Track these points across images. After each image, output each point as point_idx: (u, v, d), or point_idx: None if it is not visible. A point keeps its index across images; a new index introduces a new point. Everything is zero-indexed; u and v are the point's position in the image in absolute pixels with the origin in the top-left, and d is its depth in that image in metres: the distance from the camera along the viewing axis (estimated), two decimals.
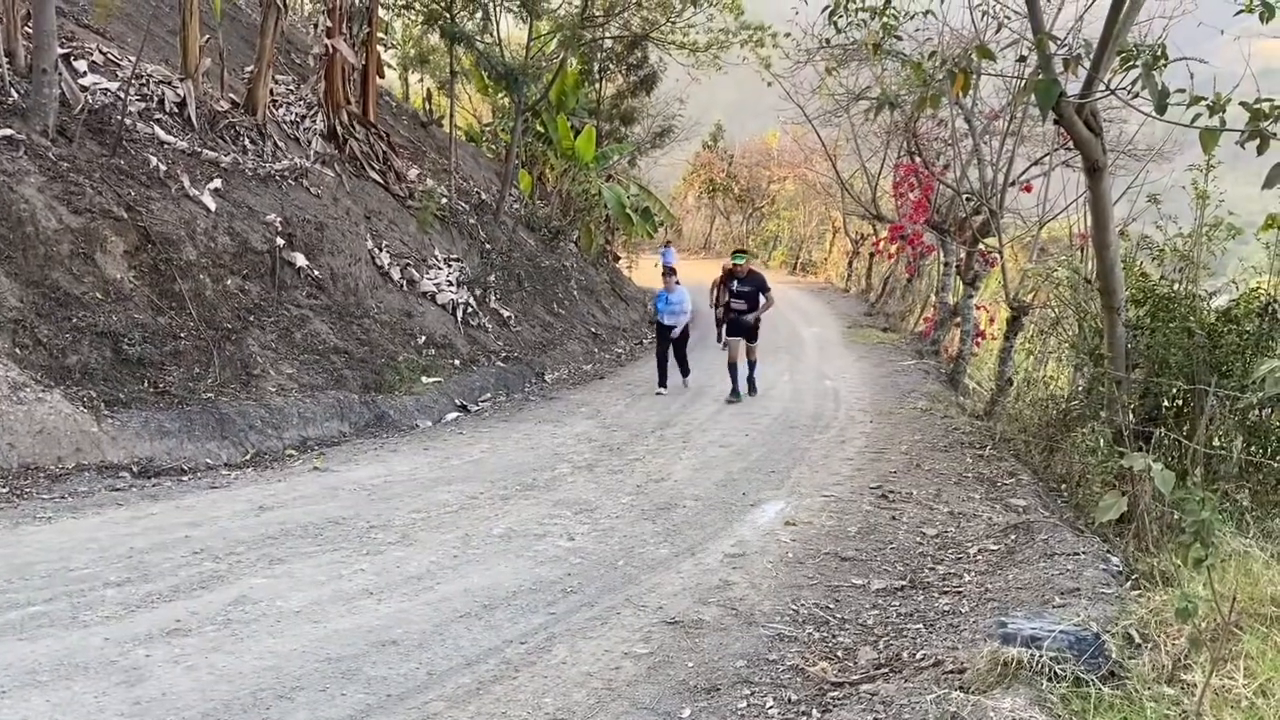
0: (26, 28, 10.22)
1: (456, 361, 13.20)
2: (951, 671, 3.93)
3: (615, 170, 27.20)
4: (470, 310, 14.67)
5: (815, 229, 42.64)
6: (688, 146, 41.45)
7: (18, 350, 7.81)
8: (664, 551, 6.01)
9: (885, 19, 7.17)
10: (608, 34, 22.26)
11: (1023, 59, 7.20)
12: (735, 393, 12.65)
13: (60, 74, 10.05)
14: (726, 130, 48.68)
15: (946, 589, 5.33)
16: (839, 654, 4.41)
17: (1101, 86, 5.94)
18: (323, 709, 3.73)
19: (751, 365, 13.07)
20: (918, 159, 18.34)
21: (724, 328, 13.24)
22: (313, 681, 3.97)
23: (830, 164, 22.19)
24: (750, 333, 12.86)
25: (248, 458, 8.68)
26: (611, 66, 27.84)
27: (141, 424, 8.16)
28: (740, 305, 12.81)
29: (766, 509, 7.14)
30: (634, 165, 31.51)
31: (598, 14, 19.66)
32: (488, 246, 17.33)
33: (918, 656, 4.25)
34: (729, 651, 4.40)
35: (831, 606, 5.06)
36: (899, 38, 7.60)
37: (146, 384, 8.54)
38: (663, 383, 13.40)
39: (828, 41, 9.72)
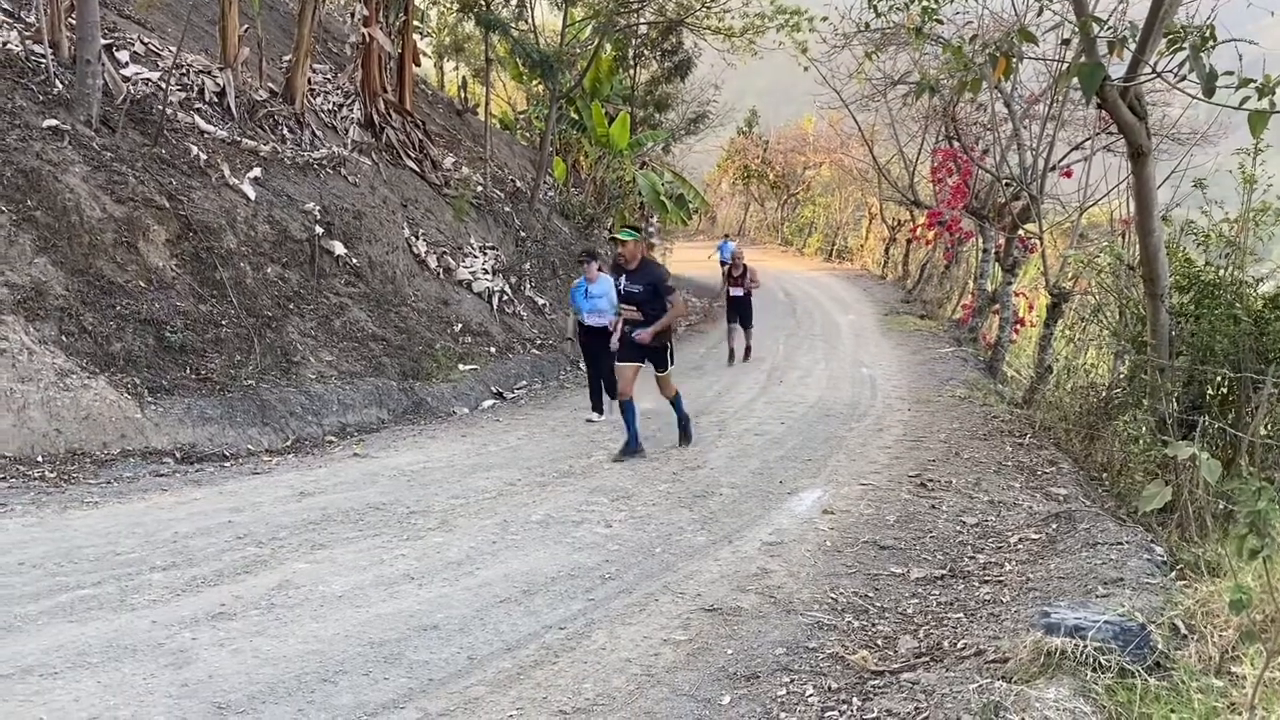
0: (70, 19, 10.35)
1: (492, 349, 13.26)
2: (994, 661, 3.90)
3: (649, 157, 27.15)
4: (505, 298, 14.72)
5: (851, 215, 42.32)
6: (722, 133, 41.25)
7: (64, 338, 7.94)
8: (701, 539, 6.02)
9: (925, 2, 7.08)
10: (642, 20, 22.17)
11: (1066, 42, 7.10)
12: (630, 449, 8.46)
13: (103, 64, 10.17)
14: (761, 116, 48.38)
15: (987, 578, 5.29)
16: (879, 642, 4.39)
17: (1147, 69, 5.84)
18: (366, 692, 3.77)
19: (680, 414, 9.08)
20: (956, 144, 18.13)
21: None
22: (356, 665, 4.01)
23: (867, 149, 21.99)
24: (657, 358, 8.73)
25: (288, 444, 8.78)
26: (646, 53, 27.75)
27: (184, 410, 8.27)
28: (632, 314, 8.53)
29: (804, 497, 7.12)
30: (668, 152, 31.42)
31: (632, 0, 19.58)
32: (522, 234, 17.37)
33: (959, 645, 4.22)
34: (768, 639, 4.39)
35: (871, 595, 5.04)
36: (939, 21, 7.51)
37: (189, 371, 8.66)
38: (597, 405, 10.45)
39: (867, 25, 9.62)
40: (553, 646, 4.28)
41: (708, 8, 20.29)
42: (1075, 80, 5.47)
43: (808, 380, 13.29)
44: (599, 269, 10.11)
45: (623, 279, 8.55)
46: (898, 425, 10.12)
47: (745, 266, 15.56)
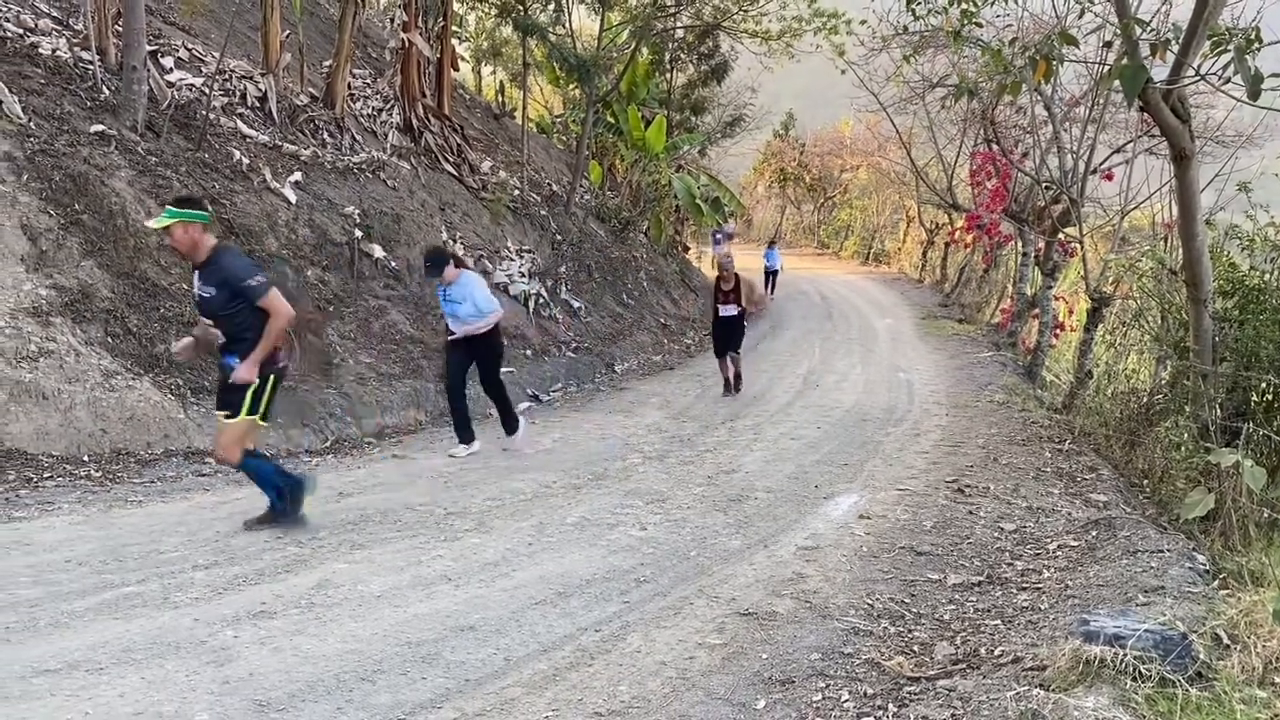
0: (117, 26, 10.56)
1: (528, 352, 13.33)
2: (1032, 669, 3.87)
3: (685, 160, 27.14)
4: (541, 301, 14.79)
5: (889, 218, 42.07)
6: (758, 135, 41.14)
7: (109, 339, 8.08)
8: (736, 543, 6.01)
9: (965, 5, 7.04)
10: (679, 24, 22.19)
11: (1108, 45, 7.03)
12: (276, 511, 5.97)
13: (149, 70, 10.37)
14: (798, 119, 48.21)
15: (1025, 585, 5.25)
16: (915, 649, 4.37)
17: (1190, 71, 5.77)
18: (404, 692, 3.81)
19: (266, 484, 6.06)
20: (995, 147, 17.98)
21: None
22: (394, 665, 4.05)
23: (905, 152, 21.85)
24: (231, 398, 5.76)
25: (328, 444, 8.88)
26: (682, 56, 27.76)
27: None
28: (211, 332, 5.78)
29: (840, 502, 7.10)
30: (704, 155, 31.39)
31: (669, 3, 19.62)
32: (558, 238, 17.45)
33: (996, 653, 4.20)
34: (803, 644, 4.39)
35: (907, 601, 5.01)
36: (979, 24, 7.46)
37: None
38: (464, 437, 8.59)
39: (905, 29, 9.57)
40: (588, 649, 4.30)
41: (745, 11, 20.29)
42: (1117, 83, 5.41)
43: (844, 384, 13.24)
44: (457, 268, 8.34)
45: (195, 278, 5.67)
46: (935, 430, 10.05)
47: (738, 278, 12.38)
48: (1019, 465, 8.36)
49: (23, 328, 7.58)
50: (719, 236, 34.11)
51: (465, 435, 8.58)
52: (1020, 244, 18.97)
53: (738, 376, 12.44)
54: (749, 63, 24.89)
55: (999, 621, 4.68)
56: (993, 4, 7.37)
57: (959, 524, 6.54)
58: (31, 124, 8.86)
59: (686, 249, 27.66)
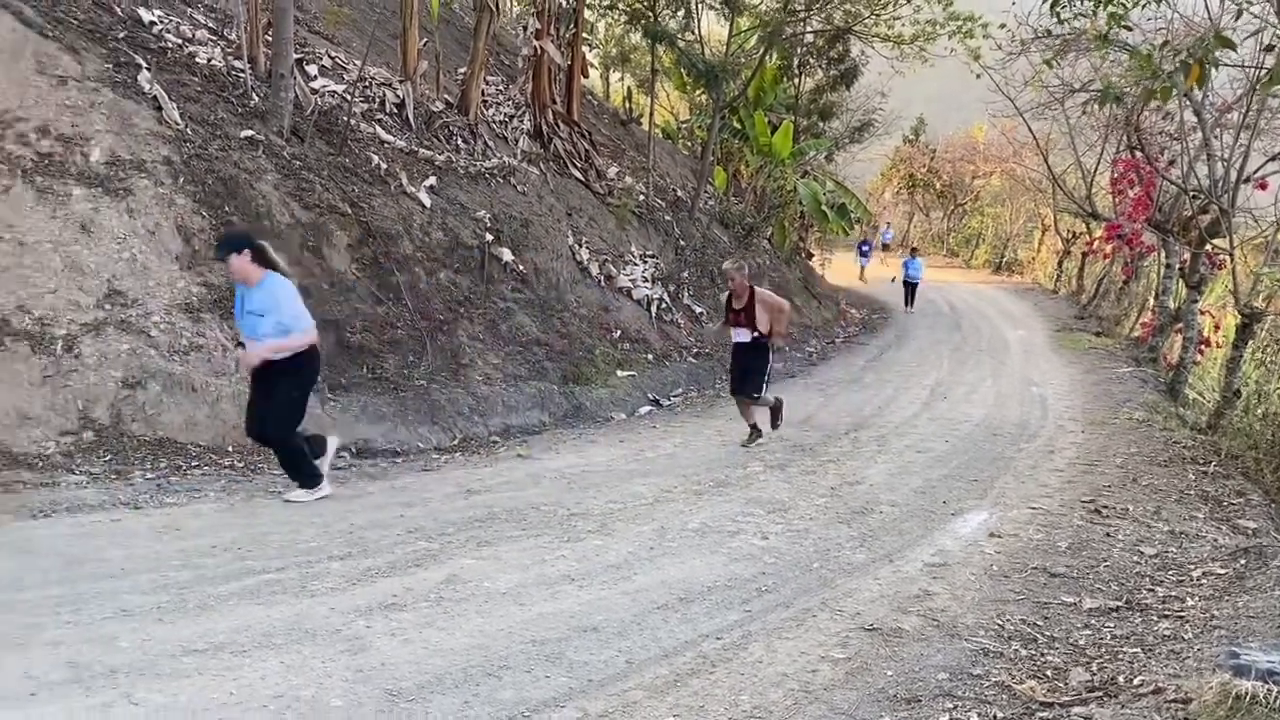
0: (267, 36, 11.06)
1: (650, 356, 13.40)
2: (1174, 701, 3.70)
3: (811, 165, 26.88)
4: (664, 306, 14.85)
5: (1022, 226, 40.82)
6: (887, 141, 40.49)
7: None
8: (860, 556, 5.92)
9: (1112, 7, 6.77)
10: (809, 29, 22.01)
11: (1270, 48, 6.66)
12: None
13: (295, 78, 10.82)
14: (929, 123, 47.24)
15: (1167, 613, 5.01)
16: (1048, 673, 4.22)
17: None
18: (528, 689, 3.88)
19: None
20: (1139, 154, 17.24)
21: None
22: (518, 662, 4.13)
23: (1042, 158, 21.16)
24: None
25: (455, 443, 9.10)
26: (811, 61, 27.52)
27: (361, 408, 8.70)
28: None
29: (969, 519, 6.91)
30: (831, 160, 31.04)
31: (799, 8, 19.46)
32: (682, 243, 17.49)
33: (1135, 682, 4.02)
34: (930, 663, 4.29)
35: (1040, 624, 4.85)
36: (1127, 27, 7.16)
37: (365, 370, 9.09)
38: (314, 481, 6.65)
39: (1048, 32, 9.24)
40: (709, 656, 4.30)
41: (877, 15, 19.96)
42: (1276, 88, 5.12)
43: (973, 397, 12.88)
44: (261, 267, 6.22)
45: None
46: (1070, 447, 9.69)
47: (753, 293, 9.20)
48: (1160, 487, 8.00)
49: (176, 323, 8.01)
50: (865, 248, 33.48)
51: (307, 480, 6.62)
52: (1164, 255, 18.16)
53: (754, 427, 9.43)
54: (879, 67, 24.49)
55: (1138, 649, 4.48)
56: (1143, 6, 7.06)
57: (1095, 546, 6.29)
58: (188, 129, 9.34)
59: (810, 255, 27.37)
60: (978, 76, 16.37)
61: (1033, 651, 4.49)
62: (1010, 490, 7.84)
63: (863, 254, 33.04)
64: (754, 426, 9.40)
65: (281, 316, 6.22)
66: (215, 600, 4.64)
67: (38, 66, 8.58)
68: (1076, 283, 30.01)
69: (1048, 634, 4.72)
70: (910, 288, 24.93)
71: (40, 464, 6.67)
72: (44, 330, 7.32)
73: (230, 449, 7.64)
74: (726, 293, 9.60)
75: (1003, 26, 13.80)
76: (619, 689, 3.93)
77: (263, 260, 6.25)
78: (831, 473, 8.31)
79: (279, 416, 6.44)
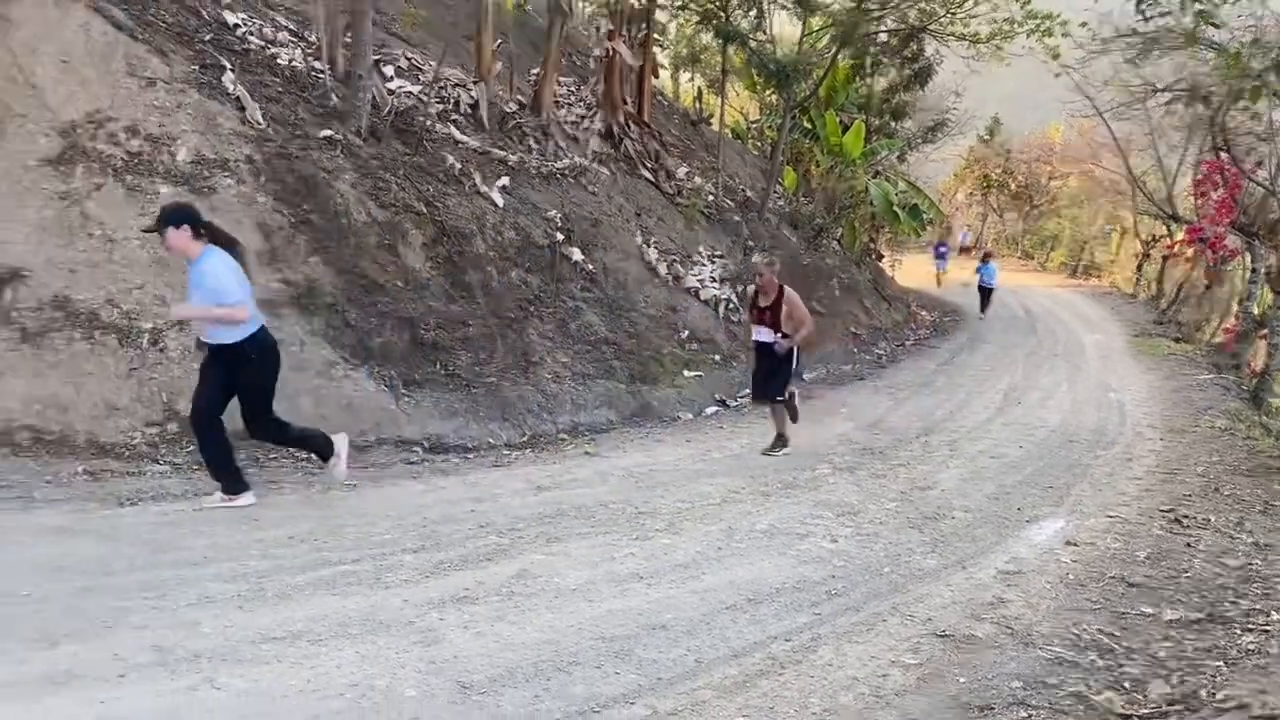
0: (346, 37, 11.28)
1: (717, 357, 13.37)
2: (1259, 717, 3.59)
3: (883, 166, 26.56)
4: (731, 306, 14.80)
5: (1100, 229, 39.90)
6: (960, 141, 39.85)
7: (331, 331, 8.64)
8: (932, 562, 5.85)
9: (1200, 4, 6.58)
10: (883, 28, 21.75)
11: None
12: None
13: (373, 79, 11.01)
14: (1004, 123, 46.38)
15: (1251, 626, 4.87)
16: (1126, 685, 4.13)
17: None
18: (598, 685, 3.91)
19: None
20: (1225, 155, 16.74)
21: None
22: (588, 658, 4.16)
23: (1122, 159, 20.66)
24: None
25: (525, 439, 9.19)
26: (884, 60, 27.19)
27: (433, 404, 8.83)
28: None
29: (1044, 526, 6.78)
30: (903, 161, 30.62)
31: (872, 8, 19.24)
32: (750, 244, 17.41)
33: (1218, 696, 3.91)
34: (1003, 670, 4.23)
35: (1117, 634, 4.74)
36: (1216, 25, 6.96)
37: (438, 367, 9.22)
38: (233, 482, 6.21)
39: (1133, 30, 9.01)
40: (778, 657, 4.29)
41: (953, 14, 19.63)
42: None
43: (1048, 403, 12.62)
44: (195, 236, 5.85)
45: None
46: (1149, 455, 9.45)
47: (782, 291, 8.72)
48: (1244, 497, 7.77)
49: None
50: (942, 250, 32.78)
51: (235, 481, 6.22)
52: (1249, 259, 17.62)
53: (780, 435, 9.03)
54: (954, 66, 24.12)
55: (1221, 663, 4.37)
56: (1233, 2, 6.86)
57: (1175, 556, 6.14)
58: (269, 129, 9.57)
59: (881, 256, 27.04)
60: (1056, 76, 16.02)
61: (1110, 662, 4.40)
62: (1087, 498, 7.68)
63: (939, 256, 32.19)
64: (780, 435, 9.05)
65: (205, 291, 5.80)
66: (293, 590, 4.75)
67: (128, 68, 8.86)
68: (1156, 287, 29.25)
69: (1126, 645, 4.62)
70: (986, 293, 24.32)
71: (127, 454, 6.90)
72: (131, 324, 7.56)
73: None
74: (753, 288, 9.13)
75: (1084, 25, 13.48)
76: (688, 688, 3.94)
77: (210, 235, 5.96)
78: (902, 477, 8.22)
79: (197, 407, 6.08)
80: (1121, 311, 26.58)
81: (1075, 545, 6.31)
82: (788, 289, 8.81)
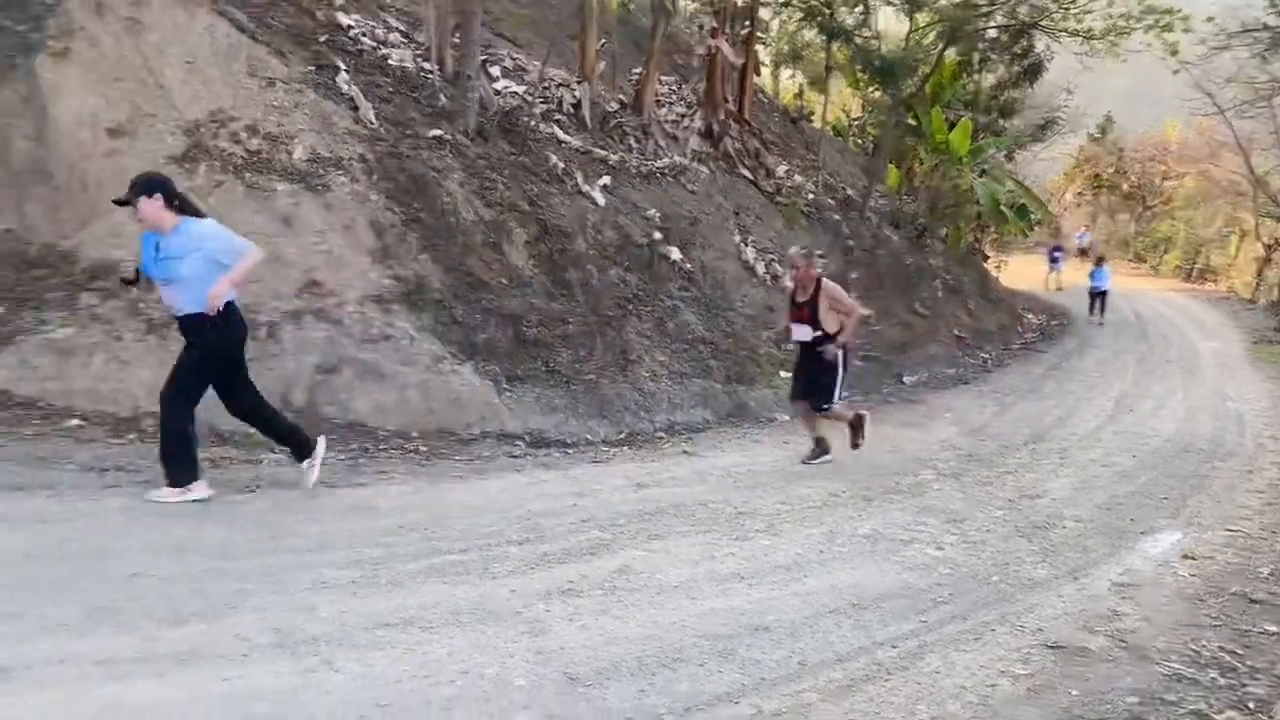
0: (454, 38, 11.52)
1: None
2: None
3: (990, 164, 25.96)
4: None
5: (1218, 231, 38.32)
6: (1070, 139, 38.67)
7: (438, 327, 8.84)
8: (1042, 572, 5.72)
9: None
10: (992, 24, 21.26)
11: None
12: None
13: (480, 79, 11.23)
14: (1116, 121, 44.85)
15: None
16: (1250, 705, 3.99)
17: None
18: (703, 683, 3.94)
19: None
20: None
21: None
22: (691, 655, 4.19)
23: (1244, 159, 19.82)
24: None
25: (622, 436, 9.26)
26: (993, 56, 26.54)
27: (534, 399, 8.96)
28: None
29: (1159, 538, 6.58)
30: (1011, 159, 29.84)
31: (981, 3, 18.83)
32: (850, 243, 17.22)
33: None
34: (1118, 685, 4.12)
35: (1240, 652, 4.58)
36: None
37: (539, 363, 9.35)
38: (183, 472, 5.75)
39: (1264, 25, 8.64)
40: (884, 663, 4.25)
41: (1066, 9, 19.07)
42: None
43: (1162, 411, 12.20)
44: (168, 206, 5.53)
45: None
46: (1272, 468, 9.07)
47: (819, 285, 8.01)
48: None
49: (368, 313, 8.45)
50: (1057, 254, 31.69)
51: (185, 471, 5.76)
52: None
53: (819, 441, 8.44)
54: (1066, 62, 23.41)
55: None
56: None
57: None
58: (381, 128, 9.84)
59: (986, 257, 26.41)
60: (1175, 72, 15.45)
61: (1232, 681, 4.25)
62: (1205, 510, 7.42)
63: (1054, 260, 30.98)
64: (818, 440, 8.40)
65: (208, 250, 5.53)
66: (405, 577, 4.88)
67: (249, 69, 9.21)
68: (1278, 292, 27.98)
69: (1249, 664, 4.46)
70: (1098, 297, 23.61)
71: (245, 442, 7.16)
72: (250, 317, 7.83)
73: (415, 434, 8.01)
74: (790, 285, 8.40)
75: (1210, 19, 12.95)
76: (792, 689, 3.94)
77: (180, 205, 5.63)
78: (1009, 484, 8.05)
79: (167, 387, 5.75)
80: (1240, 317, 25.51)
81: (1193, 559, 6.10)
82: (826, 280, 8.10)
